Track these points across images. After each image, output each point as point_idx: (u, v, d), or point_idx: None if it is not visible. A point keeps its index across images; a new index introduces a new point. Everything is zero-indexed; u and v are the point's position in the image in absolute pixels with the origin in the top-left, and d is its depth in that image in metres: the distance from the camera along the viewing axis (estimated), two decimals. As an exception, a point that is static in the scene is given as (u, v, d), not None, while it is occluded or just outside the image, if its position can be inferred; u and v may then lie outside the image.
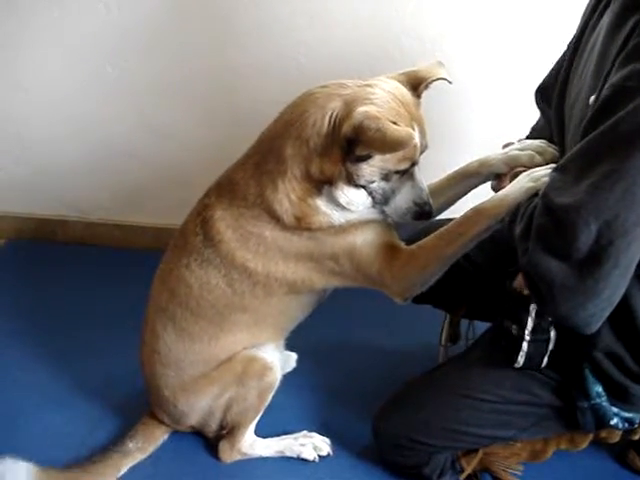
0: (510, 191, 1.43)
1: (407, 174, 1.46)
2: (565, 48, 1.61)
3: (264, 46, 2.35)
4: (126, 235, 2.74)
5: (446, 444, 1.63)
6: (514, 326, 1.47)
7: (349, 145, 1.37)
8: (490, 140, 1.79)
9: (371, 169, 1.41)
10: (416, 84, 1.49)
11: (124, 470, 1.72)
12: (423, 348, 2.13)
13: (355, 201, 1.47)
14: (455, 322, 1.98)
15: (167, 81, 2.46)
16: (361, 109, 1.35)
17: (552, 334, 1.45)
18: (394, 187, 1.47)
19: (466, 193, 1.67)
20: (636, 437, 1.66)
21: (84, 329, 2.26)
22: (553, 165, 1.37)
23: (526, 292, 1.41)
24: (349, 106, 1.38)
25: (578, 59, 1.48)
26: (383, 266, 1.52)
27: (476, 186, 1.65)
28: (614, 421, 1.48)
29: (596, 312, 1.25)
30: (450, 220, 1.53)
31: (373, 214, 1.52)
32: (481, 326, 1.84)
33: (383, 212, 1.52)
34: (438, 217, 1.65)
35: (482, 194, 1.56)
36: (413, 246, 1.54)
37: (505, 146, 1.65)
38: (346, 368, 2.13)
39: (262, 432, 1.82)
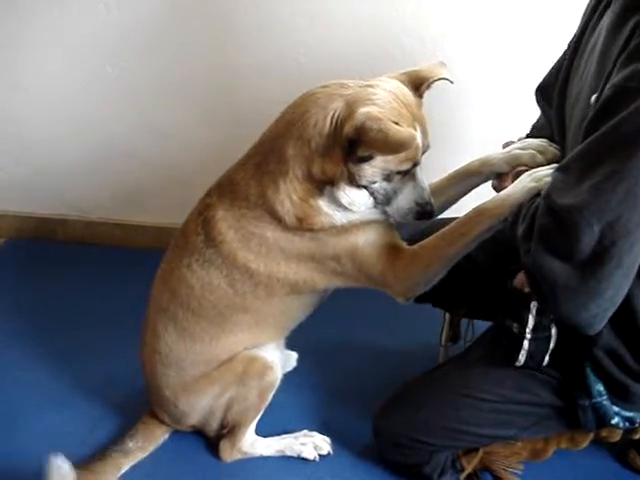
0: (512, 191, 1.43)
1: (409, 174, 1.46)
2: (565, 47, 1.61)
3: (264, 46, 2.35)
4: (126, 234, 2.73)
5: (446, 443, 1.63)
6: (515, 324, 1.47)
7: (351, 146, 1.37)
8: (491, 140, 1.79)
9: (373, 170, 1.41)
10: (418, 84, 1.48)
11: (125, 469, 1.72)
12: (423, 348, 2.13)
13: (357, 201, 1.46)
14: (455, 322, 1.97)
15: (167, 81, 2.46)
16: (363, 110, 1.35)
17: (553, 331, 1.45)
18: (396, 187, 1.46)
19: (467, 192, 1.66)
20: (637, 436, 1.66)
21: (84, 329, 2.26)
22: (555, 165, 1.37)
23: (527, 290, 1.42)
24: (351, 106, 1.37)
25: (578, 59, 1.48)
26: (385, 266, 1.52)
27: (477, 185, 1.65)
28: (615, 420, 1.49)
29: (599, 312, 1.25)
30: (451, 219, 1.53)
31: (375, 214, 1.52)
32: (481, 326, 1.84)
33: (385, 212, 1.52)
34: (439, 216, 1.65)
35: (484, 193, 1.57)
36: (415, 246, 1.54)
37: (505, 145, 1.65)
38: (346, 367, 2.13)
39: (263, 431, 1.82)
